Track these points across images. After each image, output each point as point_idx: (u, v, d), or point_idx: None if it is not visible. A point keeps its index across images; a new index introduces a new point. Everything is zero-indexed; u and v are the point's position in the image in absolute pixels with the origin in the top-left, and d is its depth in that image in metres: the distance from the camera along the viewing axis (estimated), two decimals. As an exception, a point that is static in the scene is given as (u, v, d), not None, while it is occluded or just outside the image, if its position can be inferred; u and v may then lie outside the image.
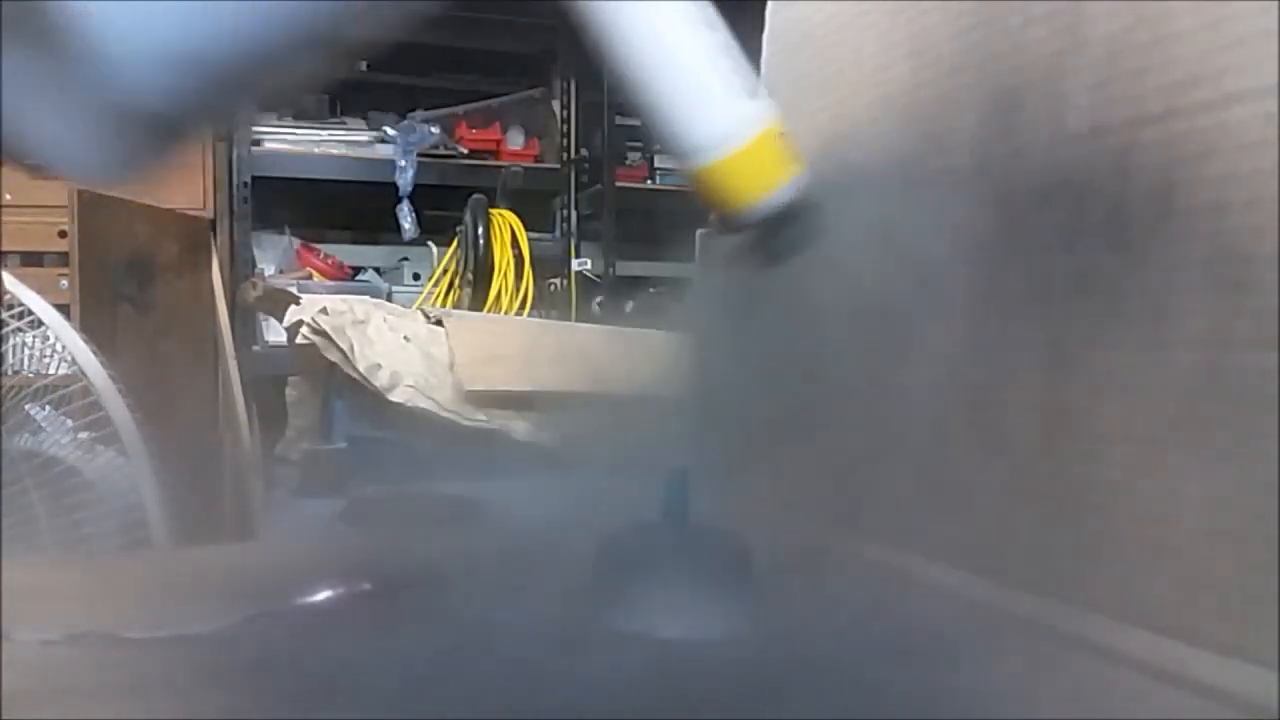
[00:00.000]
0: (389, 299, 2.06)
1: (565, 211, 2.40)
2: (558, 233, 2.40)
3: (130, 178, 0.38)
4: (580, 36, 0.43)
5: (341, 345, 1.32)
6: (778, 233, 0.46)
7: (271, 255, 2.25)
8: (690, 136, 0.44)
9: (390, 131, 2.24)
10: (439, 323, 1.39)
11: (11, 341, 1.00)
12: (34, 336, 1.01)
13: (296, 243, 2.29)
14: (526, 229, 2.22)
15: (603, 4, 0.42)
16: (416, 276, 2.36)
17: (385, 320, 1.37)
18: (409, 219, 2.25)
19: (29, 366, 1.02)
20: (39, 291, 1.02)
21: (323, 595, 0.58)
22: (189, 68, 0.32)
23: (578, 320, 2.11)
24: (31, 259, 1.74)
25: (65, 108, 0.31)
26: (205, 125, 0.36)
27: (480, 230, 2.16)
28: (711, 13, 0.43)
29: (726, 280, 0.62)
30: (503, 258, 2.17)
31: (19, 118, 0.32)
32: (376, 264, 2.44)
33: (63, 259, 1.56)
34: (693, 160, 0.44)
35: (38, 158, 0.33)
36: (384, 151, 2.24)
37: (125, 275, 1.56)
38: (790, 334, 0.59)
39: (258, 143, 2.14)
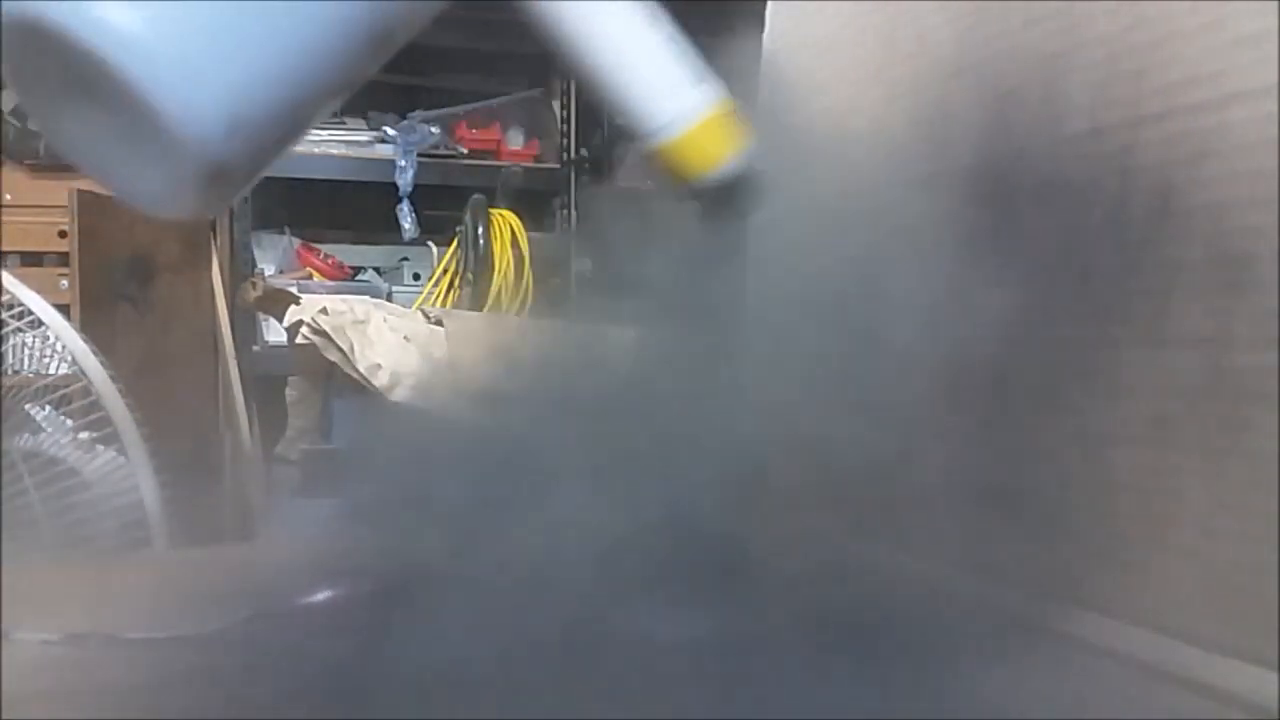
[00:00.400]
0: (389, 299, 2.06)
1: (565, 211, 2.41)
2: (558, 233, 2.40)
3: (198, 212, 0.44)
4: (538, 37, 0.48)
5: (341, 345, 1.32)
6: (728, 199, 0.52)
7: (271, 255, 2.25)
8: (646, 121, 0.50)
9: (390, 131, 2.24)
10: (439, 323, 1.40)
11: (11, 341, 1.00)
12: (34, 336, 1.01)
13: (296, 242, 2.29)
14: (526, 229, 2.22)
15: (557, 12, 0.48)
16: (416, 276, 2.36)
17: (385, 320, 1.37)
18: (409, 219, 2.25)
19: (29, 366, 1.02)
20: (39, 291, 1.02)
21: (323, 595, 0.58)
22: (249, 131, 0.36)
23: (577, 320, 2.10)
24: (31, 259, 1.74)
25: (141, 160, 0.36)
26: (262, 164, 0.41)
27: (480, 230, 2.16)
28: (657, 11, 0.49)
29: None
30: (503, 258, 2.17)
31: (104, 165, 0.38)
32: (376, 264, 2.44)
33: (63, 259, 1.56)
34: (650, 141, 0.51)
35: (119, 194, 0.38)
36: (384, 151, 2.25)
37: (125, 275, 1.57)
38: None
39: (258, 143, 2.14)
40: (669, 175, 0.52)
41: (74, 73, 0.34)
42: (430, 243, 2.31)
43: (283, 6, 0.37)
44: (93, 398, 0.96)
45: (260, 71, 0.36)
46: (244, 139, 0.36)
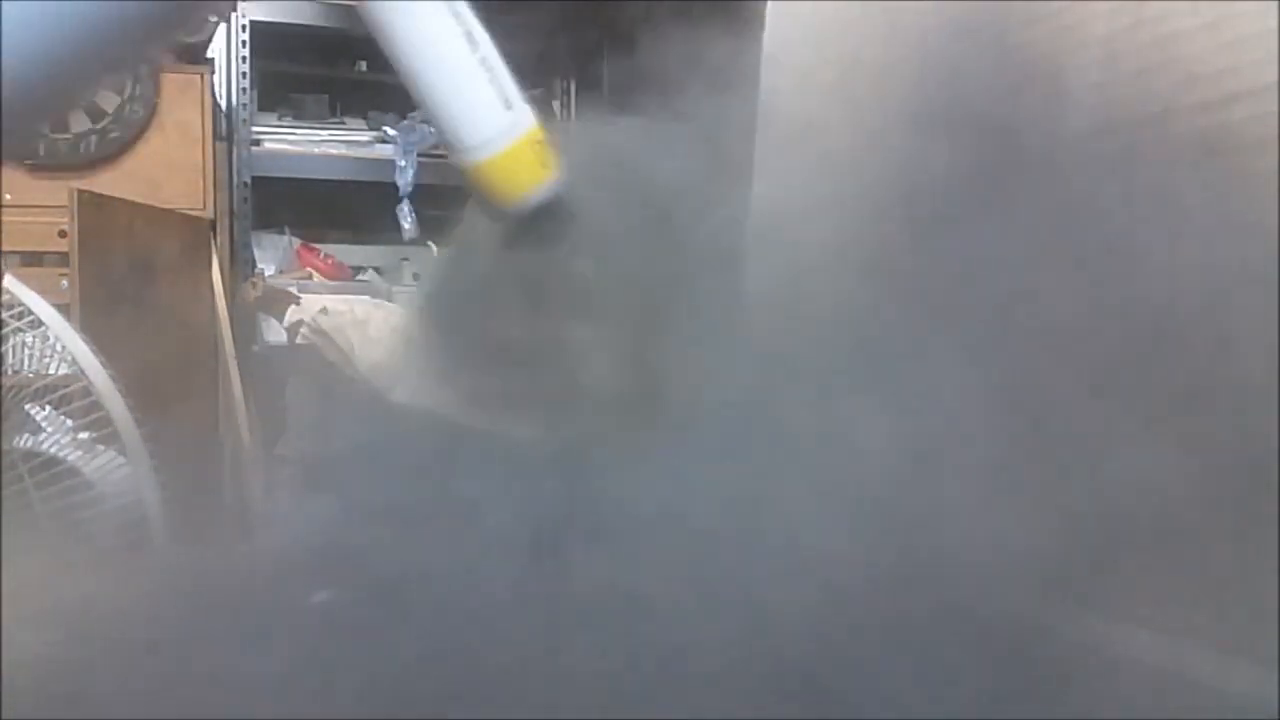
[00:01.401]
0: (389, 299, 2.06)
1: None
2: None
3: None
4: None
5: (342, 345, 1.32)
6: (533, 227, 0.52)
7: (271, 255, 2.25)
8: (458, 141, 0.50)
9: (390, 131, 2.24)
10: (439, 323, 1.39)
11: (11, 341, 1.00)
12: (34, 336, 1.01)
13: (296, 243, 2.29)
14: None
15: (386, 23, 0.48)
16: (417, 276, 2.35)
17: (386, 320, 1.37)
18: (409, 219, 2.25)
19: (29, 366, 1.02)
20: (39, 291, 1.02)
21: (322, 596, 0.58)
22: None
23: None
24: (31, 259, 1.74)
25: None
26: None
27: (480, 230, 2.15)
28: (477, 29, 0.49)
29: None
30: (503, 258, 2.17)
31: None
32: (377, 264, 2.44)
33: (63, 259, 1.56)
34: (461, 160, 0.51)
35: None
36: (384, 151, 2.24)
37: (125, 275, 1.56)
38: None
39: (257, 143, 2.14)
40: (478, 195, 0.52)
41: None
42: (430, 243, 2.31)
43: None
44: (93, 398, 0.96)
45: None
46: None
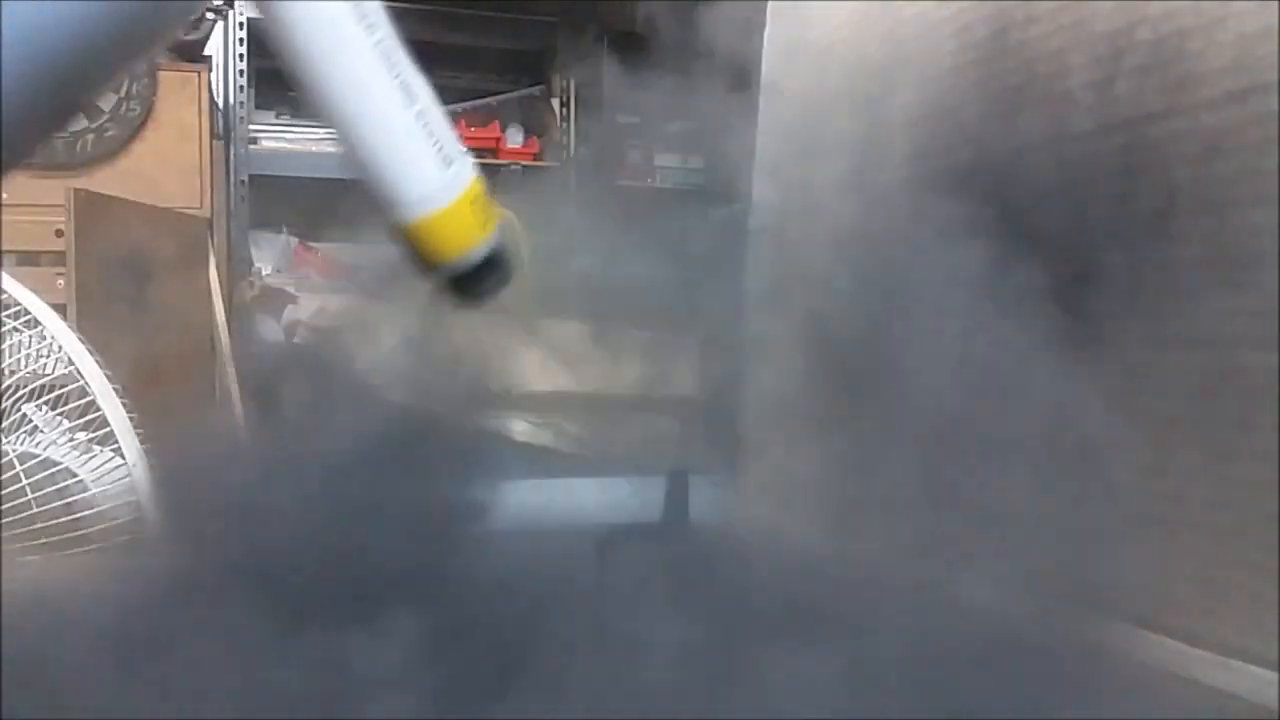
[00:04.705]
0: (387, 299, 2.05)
1: (565, 210, 2.40)
2: (557, 231, 2.40)
3: None
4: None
5: (339, 345, 1.31)
6: (474, 282, 0.49)
7: (269, 254, 2.24)
8: (392, 199, 0.47)
9: (388, 130, 2.24)
10: (437, 322, 1.39)
11: (8, 341, 0.99)
12: (30, 336, 1.00)
13: (294, 242, 2.28)
14: (526, 228, 2.21)
15: (311, 70, 0.44)
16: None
17: (383, 320, 1.36)
18: (407, 218, 2.24)
19: (25, 366, 1.01)
20: (35, 291, 1.02)
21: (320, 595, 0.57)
22: None
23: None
24: (28, 258, 1.73)
25: None
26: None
27: (478, 229, 2.15)
28: (415, 81, 0.45)
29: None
30: (501, 257, 2.17)
31: None
32: (375, 263, 2.43)
33: (59, 258, 1.55)
34: (395, 219, 0.48)
35: None
36: (382, 150, 2.24)
37: (122, 275, 1.56)
38: None
39: (255, 141, 2.14)
40: (412, 255, 0.48)
41: None
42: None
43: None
44: (89, 398, 0.95)
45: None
46: None
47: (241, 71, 2.06)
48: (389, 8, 0.46)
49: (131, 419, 0.96)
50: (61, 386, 0.97)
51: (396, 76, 0.45)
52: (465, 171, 0.48)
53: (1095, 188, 0.54)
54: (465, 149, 0.48)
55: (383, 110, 0.45)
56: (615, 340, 0.66)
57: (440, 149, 0.47)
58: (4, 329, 0.99)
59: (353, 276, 2.30)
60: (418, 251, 0.48)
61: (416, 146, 0.46)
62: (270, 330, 1.90)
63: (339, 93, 0.44)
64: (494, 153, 2.38)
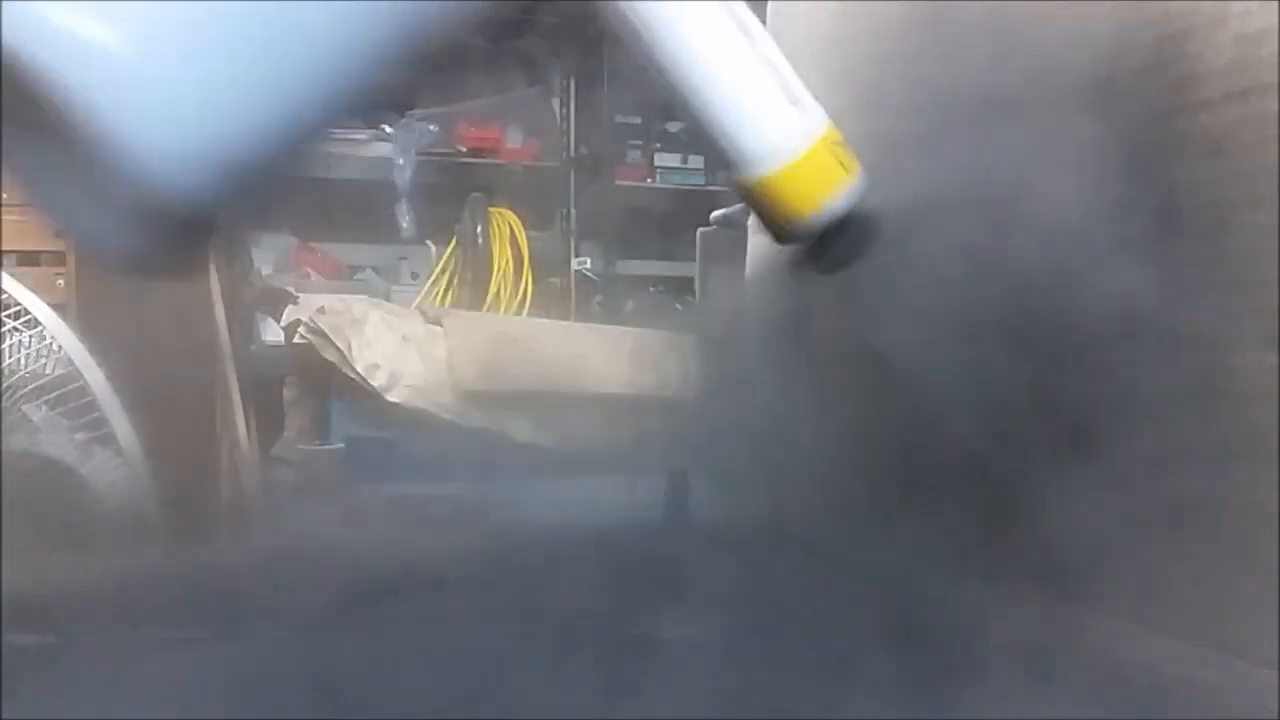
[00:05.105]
0: (387, 298, 2.05)
1: (565, 210, 2.40)
2: (557, 231, 2.40)
3: (157, 270, 0.35)
4: (617, 43, 0.43)
5: (339, 345, 1.32)
6: (832, 243, 0.45)
7: (269, 254, 2.24)
8: (739, 152, 0.43)
9: (389, 130, 2.24)
10: (438, 322, 1.39)
11: (8, 341, 0.99)
12: (30, 336, 1.00)
13: (294, 241, 2.28)
14: (526, 228, 2.21)
15: (645, 22, 0.41)
16: (415, 275, 2.35)
17: (383, 320, 1.36)
18: (407, 218, 2.24)
19: (25, 366, 1.01)
20: (35, 291, 1.02)
21: (320, 595, 0.58)
22: (217, 168, 0.29)
23: (577, 319, 2.10)
24: (28, 258, 1.73)
25: (91, 200, 0.29)
26: (237, 222, 0.34)
27: (479, 229, 2.15)
28: (751, 22, 0.42)
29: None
30: (501, 257, 2.17)
31: (54, 206, 0.30)
32: (374, 263, 2.43)
33: (59, 258, 1.55)
34: (743, 176, 0.43)
35: (77, 245, 0.33)
36: (382, 150, 2.24)
37: (121, 274, 1.56)
38: None
39: (255, 141, 2.14)
40: (764, 214, 0.44)
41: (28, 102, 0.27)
42: (429, 241, 2.30)
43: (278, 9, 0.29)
44: (89, 398, 0.96)
45: (250, 97, 0.29)
46: (205, 179, 0.29)
47: (242, 71, 2.06)
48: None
49: (131, 419, 0.96)
50: (61, 386, 0.97)
51: (735, 19, 0.42)
52: (817, 114, 0.43)
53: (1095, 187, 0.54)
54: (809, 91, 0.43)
55: (726, 56, 0.41)
56: (615, 339, 0.66)
57: (788, 92, 0.42)
58: (4, 329, 0.99)
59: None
60: (776, 209, 0.43)
61: (764, 92, 0.42)
62: (270, 330, 1.90)
63: (679, 42, 0.41)
64: (494, 153, 2.38)
